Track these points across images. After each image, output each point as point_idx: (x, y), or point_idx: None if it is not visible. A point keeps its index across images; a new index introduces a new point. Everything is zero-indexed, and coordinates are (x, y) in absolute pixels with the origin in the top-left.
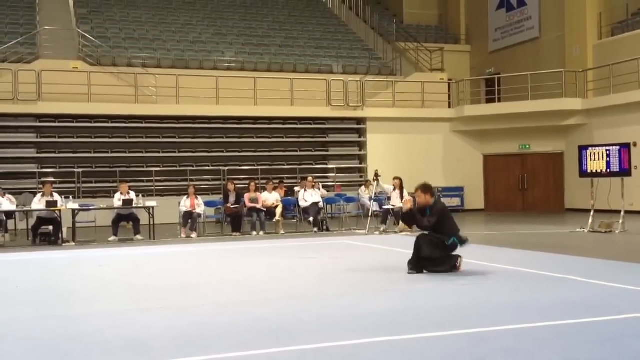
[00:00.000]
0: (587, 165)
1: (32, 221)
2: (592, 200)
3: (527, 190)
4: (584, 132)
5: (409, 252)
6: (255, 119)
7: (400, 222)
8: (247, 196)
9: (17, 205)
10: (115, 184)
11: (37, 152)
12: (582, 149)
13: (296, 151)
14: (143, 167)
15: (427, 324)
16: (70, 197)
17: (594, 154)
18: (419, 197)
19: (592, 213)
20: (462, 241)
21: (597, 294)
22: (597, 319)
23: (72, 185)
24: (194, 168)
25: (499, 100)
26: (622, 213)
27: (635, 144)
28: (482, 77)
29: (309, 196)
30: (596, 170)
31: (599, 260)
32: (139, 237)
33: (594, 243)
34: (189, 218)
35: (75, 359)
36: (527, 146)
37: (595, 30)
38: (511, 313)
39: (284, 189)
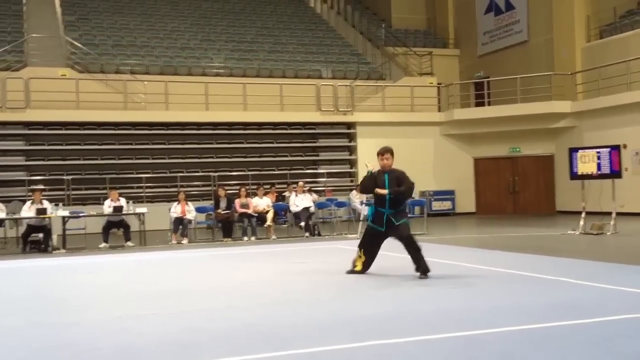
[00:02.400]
0: (577, 167)
1: (21, 229)
2: (583, 202)
3: (518, 193)
4: (574, 135)
5: (400, 256)
6: (245, 125)
7: None
8: (237, 202)
9: (7, 213)
10: (105, 191)
11: (26, 160)
12: (573, 151)
13: (286, 156)
14: (133, 173)
15: (419, 327)
16: (60, 204)
17: (585, 156)
18: (387, 159)
19: (583, 215)
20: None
21: (589, 296)
22: (590, 320)
23: (62, 193)
24: (184, 174)
25: (489, 104)
26: (613, 215)
27: (625, 146)
28: (472, 80)
29: (300, 201)
30: (587, 173)
31: (590, 262)
32: (129, 243)
33: (586, 245)
34: (180, 224)
35: None
36: (518, 149)
37: (583, 33)
38: (504, 316)
39: (275, 194)
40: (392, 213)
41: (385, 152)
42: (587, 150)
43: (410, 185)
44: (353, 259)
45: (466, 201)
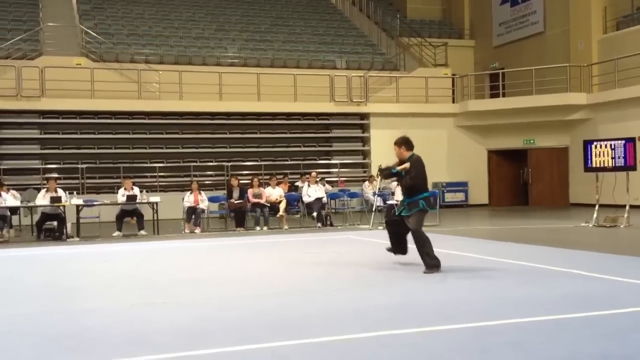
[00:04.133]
0: (591, 159)
1: (36, 217)
2: (596, 194)
3: (531, 185)
4: (589, 127)
5: (412, 247)
6: (259, 115)
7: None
8: (250, 191)
9: (22, 201)
10: (119, 180)
11: (41, 148)
12: (587, 143)
13: (299, 147)
14: (147, 162)
15: (430, 317)
16: (74, 192)
17: (599, 148)
18: (395, 150)
19: (596, 207)
20: (430, 205)
21: (602, 288)
22: (602, 312)
23: (76, 181)
24: (198, 164)
25: (503, 95)
26: (627, 207)
27: None
28: (486, 72)
29: (312, 191)
30: (601, 165)
31: (604, 255)
32: (142, 232)
33: (599, 237)
34: (193, 213)
35: (80, 354)
36: (532, 141)
37: (600, 25)
38: (515, 307)
39: (288, 184)
40: (407, 202)
41: (394, 143)
42: (601, 143)
43: (409, 181)
44: None
45: (479, 193)
